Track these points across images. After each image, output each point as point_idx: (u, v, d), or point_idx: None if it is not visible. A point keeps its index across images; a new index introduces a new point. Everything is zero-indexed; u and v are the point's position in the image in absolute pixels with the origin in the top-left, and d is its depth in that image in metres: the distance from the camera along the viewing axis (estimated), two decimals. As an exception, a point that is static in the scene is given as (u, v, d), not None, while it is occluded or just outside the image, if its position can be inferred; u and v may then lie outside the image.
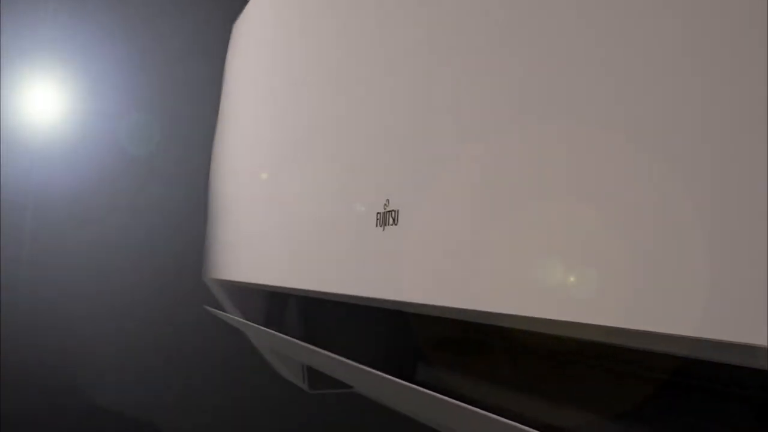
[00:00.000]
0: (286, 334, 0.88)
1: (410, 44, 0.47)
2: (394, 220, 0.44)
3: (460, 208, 0.37)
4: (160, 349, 1.46)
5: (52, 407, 1.44)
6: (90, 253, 1.45)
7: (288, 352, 0.94)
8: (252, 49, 1.03)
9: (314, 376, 0.98)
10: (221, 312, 1.11)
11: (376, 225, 0.45)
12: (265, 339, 0.98)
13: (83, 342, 1.43)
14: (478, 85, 0.38)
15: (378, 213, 0.45)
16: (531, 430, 0.32)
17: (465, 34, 0.40)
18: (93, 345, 1.45)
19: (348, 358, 0.57)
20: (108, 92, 1.58)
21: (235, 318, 1.04)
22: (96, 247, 1.45)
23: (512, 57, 0.35)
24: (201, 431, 1.45)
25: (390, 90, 0.50)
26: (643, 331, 0.26)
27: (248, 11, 1.06)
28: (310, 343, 0.71)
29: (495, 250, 0.34)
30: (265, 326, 1.00)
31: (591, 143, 0.29)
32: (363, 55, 0.57)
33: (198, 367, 1.46)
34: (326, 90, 0.67)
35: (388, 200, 0.45)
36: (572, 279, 0.29)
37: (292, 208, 0.72)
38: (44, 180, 1.54)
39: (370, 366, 0.52)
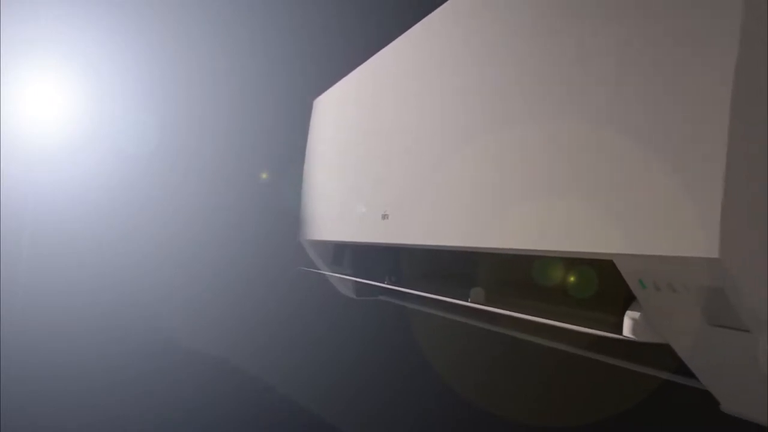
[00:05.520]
0: (344, 265, 1.84)
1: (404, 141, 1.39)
2: (387, 217, 1.36)
3: (412, 215, 1.30)
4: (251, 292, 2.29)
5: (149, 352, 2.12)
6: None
7: (344, 282, 1.90)
8: (327, 118, 1.96)
9: (358, 289, 1.94)
10: (307, 269, 2.07)
11: (381, 218, 1.38)
12: (334, 278, 1.93)
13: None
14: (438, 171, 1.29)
15: (382, 214, 1.38)
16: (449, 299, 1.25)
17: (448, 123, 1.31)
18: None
19: (370, 277, 1.52)
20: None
21: (318, 272, 2.00)
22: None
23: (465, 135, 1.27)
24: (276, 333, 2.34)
25: (390, 160, 1.41)
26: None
27: (325, 96, 1.98)
28: (355, 262, 1.67)
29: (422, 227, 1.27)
30: (332, 262, 1.96)
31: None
32: (384, 140, 1.49)
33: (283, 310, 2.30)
34: (368, 150, 1.59)
35: (385, 209, 1.37)
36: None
37: (349, 206, 1.66)
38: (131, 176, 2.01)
39: (380, 281, 1.47)
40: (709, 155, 0.59)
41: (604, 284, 0.97)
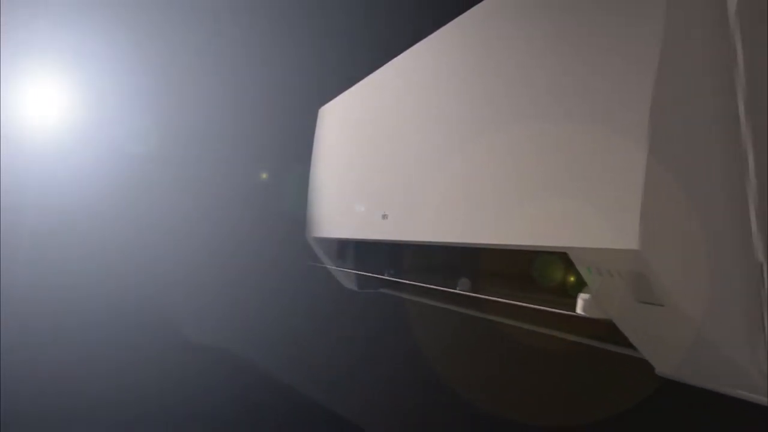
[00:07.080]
0: (348, 260, 2.03)
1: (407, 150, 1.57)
2: (386, 217, 1.54)
3: (409, 215, 1.48)
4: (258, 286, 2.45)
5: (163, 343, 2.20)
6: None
7: (347, 275, 2.08)
8: (332, 125, 2.14)
9: (360, 282, 2.12)
10: (312, 263, 2.25)
11: (381, 219, 1.56)
12: (337, 271, 2.11)
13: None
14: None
15: (382, 215, 1.56)
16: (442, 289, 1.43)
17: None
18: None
19: (371, 270, 1.70)
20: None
21: (322, 266, 2.18)
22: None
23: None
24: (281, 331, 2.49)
25: (389, 166, 1.59)
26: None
27: (331, 105, 2.16)
28: (357, 258, 1.85)
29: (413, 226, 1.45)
30: (337, 256, 2.14)
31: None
32: (386, 146, 1.67)
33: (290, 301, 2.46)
34: (369, 156, 1.78)
35: (385, 211, 1.55)
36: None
37: (352, 206, 1.84)
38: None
39: (380, 274, 1.65)
40: (632, 164, 0.77)
41: (568, 273, 1.15)
